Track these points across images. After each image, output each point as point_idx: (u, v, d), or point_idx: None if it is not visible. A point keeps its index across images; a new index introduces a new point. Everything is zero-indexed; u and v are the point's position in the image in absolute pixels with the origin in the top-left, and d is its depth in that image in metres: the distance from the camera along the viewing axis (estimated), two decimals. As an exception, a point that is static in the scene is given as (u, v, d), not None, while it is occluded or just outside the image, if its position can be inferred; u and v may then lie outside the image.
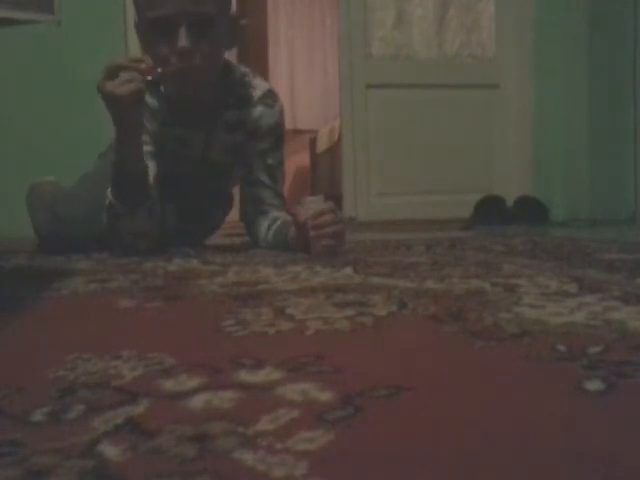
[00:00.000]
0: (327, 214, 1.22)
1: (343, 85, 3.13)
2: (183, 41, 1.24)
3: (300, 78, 6.96)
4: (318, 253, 1.22)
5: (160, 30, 1.26)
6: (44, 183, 1.84)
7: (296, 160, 6.44)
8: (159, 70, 1.24)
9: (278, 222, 1.40)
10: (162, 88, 1.41)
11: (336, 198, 3.68)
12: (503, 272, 0.96)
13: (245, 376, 0.43)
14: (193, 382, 0.41)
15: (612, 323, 0.57)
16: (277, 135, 1.50)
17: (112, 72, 1.17)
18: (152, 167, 1.35)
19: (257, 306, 0.69)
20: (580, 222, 2.75)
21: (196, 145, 1.45)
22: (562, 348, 0.48)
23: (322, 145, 5.91)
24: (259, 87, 1.47)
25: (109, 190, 1.27)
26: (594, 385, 0.39)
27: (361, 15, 3.10)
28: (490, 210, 2.79)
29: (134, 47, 2.89)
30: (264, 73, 5.35)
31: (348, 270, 1.00)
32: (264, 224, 1.45)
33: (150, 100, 1.38)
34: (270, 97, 1.48)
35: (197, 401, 0.37)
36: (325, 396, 0.38)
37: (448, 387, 0.41)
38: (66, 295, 0.83)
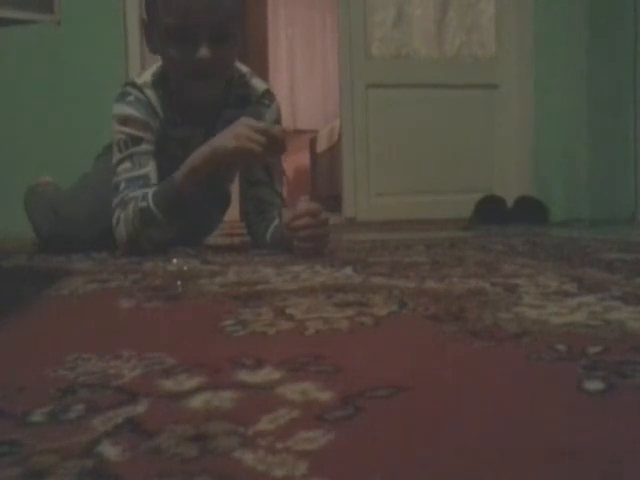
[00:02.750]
0: (304, 217, 1.22)
1: (343, 85, 3.13)
2: (204, 52, 1.26)
3: (300, 78, 6.96)
4: (300, 255, 1.23)
5: (178, 37, 1.27)
6: (43, 184, 1.84)
7: (296, 160, 6.45)
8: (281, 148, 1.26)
9: (275, 222, 1.41)
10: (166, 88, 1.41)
11: (336, 198, 3.69)
12: (503, 272, 0.96)
13: (245, 376, 0.42)
14: (193, 382, 0.41)
15: (612, 323, 0.57)
16: None
17: (252, 126, 1.21)
18: (154, 167, 1.35)
19: (257, 306, 0.69)
20: (580, 222, 2.75)
21: (196, 145, 1.45)
22: (562, 348, 0.48)
23: (322, 145, 5.91)
24: (257, 87, 1.48)
25: (151, 197, 1.27)
26: (594, 385, 0.39)
27: (361, 15, 3.10)
28: (490, 210, 2.79)
29: (134, 47, 2.90)
30: (264, 73, 5.35)
31: (348, 270, 1.00)
32: (263, 224, 1.45)
33: (153, 97, 1.39)
34: (267, 97, 1.49)
35: (197, 401, 0.37)
36: (325, 396, 0.38)
37: (448, 387, 0.41)
38: (66, 295, 0.83)
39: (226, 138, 1.22)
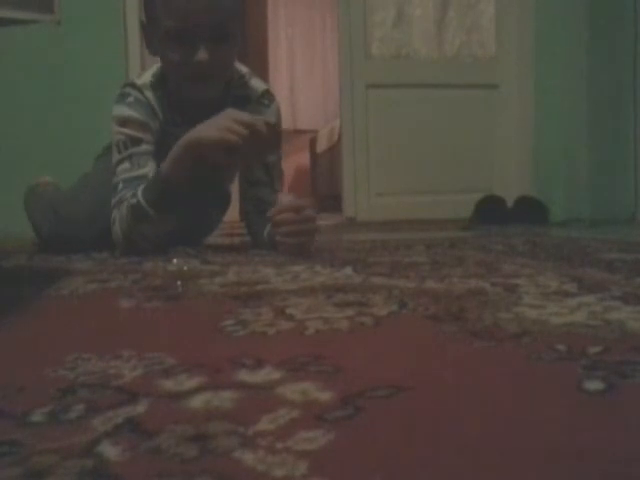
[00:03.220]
0: (287, 212, 1.21)
1: (343, 85, 3.13)
2: (202, 54, 1.26)
3: (300, 78, 6.96)
4: (283, 251, 1.22)
5: (178, 39, 1.27)
6: (43, 184, 1.84)
7: (296, 160, 6.45)
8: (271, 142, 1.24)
9: None
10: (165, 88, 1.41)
11: (336, 198, 3.69)
12: (503, 272, 0.96)
13: (245, 376, 0.42)
14: (193, 382, 0.41)
15: (612, 323, 0.57)
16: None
17: (235, 118, 1.18)
18: (153, 167, 1.35)
19: (257, 306, 0.69)
20: (580, 222, 2.75)
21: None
22: (562, 348, 0.48)
23: (322, 145, 5.92)
24: (256, 88, 1.48)
25: (140, 193, 1.26)
26: (594, 385, 0.39)
27: (361, 15, 3.11)
28: (490, 210, 2.79)
29: (134, 47, 2.90)
30: (264, 73, 5.35)
31: (348, 270, 1.00)
32: (263, 223, 1.45)
33: (152, 98, 1.39)
34: (267, 97, 1.49)
35: (197, 401, 0.37)
36: (325, 396, 0.38)
37: (448, 387, 0.41)
38: (66, 295, 0.83)
39: (207, 128, 1.20)
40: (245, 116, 1.20)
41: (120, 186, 1.33)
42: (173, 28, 1.26)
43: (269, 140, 1.21)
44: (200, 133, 1.20)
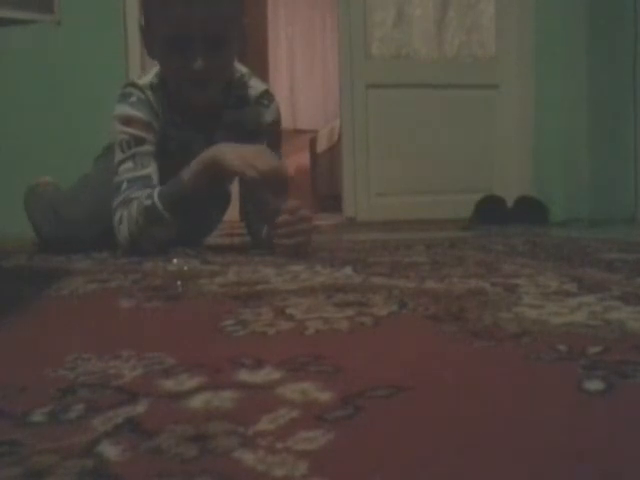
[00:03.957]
0: (283, 213, 1.22)
1: (343, 85, 3.13)
2: (198, 62, 1.26)
3: (300, 78, 6.96)
4: (280, 252, 1.22)
5: (174, 46, 1.27)
6: (43, 184, 1.84)
7: (296, 160, 6.44)
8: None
9: None
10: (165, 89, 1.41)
11: (336, 198, 3.69)
12: (503, 272, 0.96)
13: (245, 376, 0.42)
14: (193, 382, 0.41)
15: (612, 323, 0.57)
16: (274, 133, 1.51)
17: (263, 158, 1.20)
18: (155, 167, 1.35)
19: (257, 306, 0.69)
20: (580, 222, 2.75)
21: (196, 146, 1.45)
22: (562, 348, 0.48)
23: (322, 145, 5.92)
24: (255, 88, 1.48)
25: (156, 195, 1.26)
26: (594, 385, 0.39)
27: (361, 15, 3.11)
28: (490, 210, 2.79)
29: (134, 47, 2.90)
30: (264, 73, 5.35)
31: (348, 270, 1.00)
32: (262, 224, 1.45)
33: (153, 98, 1.39)
34: (266, 97, 1.49)
35: (197, 401, 0.37)
36: (325, 396, 0.38)
37: (448, 387, 0.41)
38: (66, 295, 0.83)
39: (231, 153, 1.21)
40: (273, 160, 1.22)
41: (124, 186, 1.33)
42: (169, 35, 1.26)
43: (284, 185, 1.24)
44: (224, 155, 1.21)
